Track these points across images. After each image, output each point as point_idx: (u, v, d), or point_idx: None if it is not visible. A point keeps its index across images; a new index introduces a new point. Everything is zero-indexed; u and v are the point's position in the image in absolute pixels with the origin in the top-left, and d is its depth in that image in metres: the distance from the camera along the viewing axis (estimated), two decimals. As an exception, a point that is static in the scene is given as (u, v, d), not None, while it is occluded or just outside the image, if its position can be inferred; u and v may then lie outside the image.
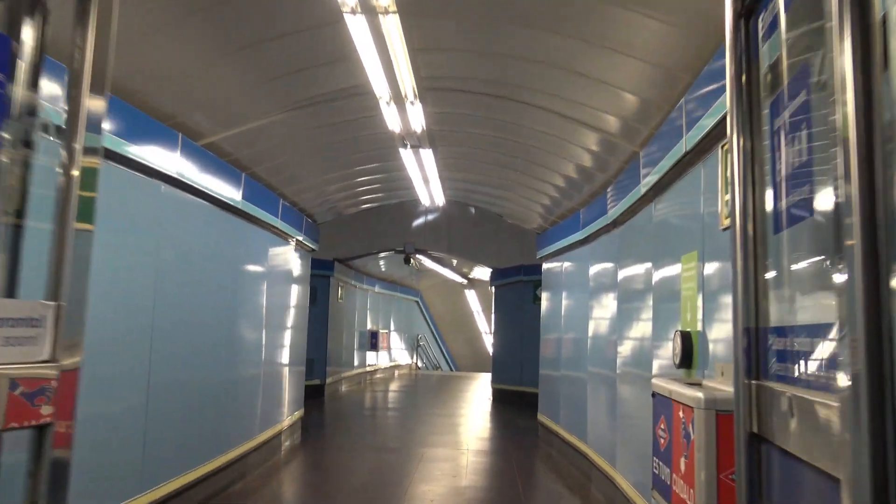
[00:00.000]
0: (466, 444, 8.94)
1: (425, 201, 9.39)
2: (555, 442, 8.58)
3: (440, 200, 9.40)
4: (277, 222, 7.34)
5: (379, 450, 8.63)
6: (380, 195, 11.00)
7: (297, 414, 9.03)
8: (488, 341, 25.58)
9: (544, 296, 10.06)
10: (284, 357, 8.34)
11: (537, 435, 9.64)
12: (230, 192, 6.04)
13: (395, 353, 20.58)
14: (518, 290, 13.97)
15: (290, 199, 7.85)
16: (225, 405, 6.38)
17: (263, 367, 7.36)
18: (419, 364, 22.96)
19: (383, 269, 18.57)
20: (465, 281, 22.27)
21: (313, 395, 13.40)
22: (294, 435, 8.80)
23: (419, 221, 14.60)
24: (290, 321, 8.59)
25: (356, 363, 16.75)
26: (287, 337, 8.46)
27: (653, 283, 4.90)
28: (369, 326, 17.98)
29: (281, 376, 8.20)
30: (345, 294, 15.52)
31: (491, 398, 14.23)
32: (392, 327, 20.29)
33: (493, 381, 14.42)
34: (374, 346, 18.00)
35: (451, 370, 25.64)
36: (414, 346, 22.63)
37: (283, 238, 7.99)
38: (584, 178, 6.89)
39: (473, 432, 10.15)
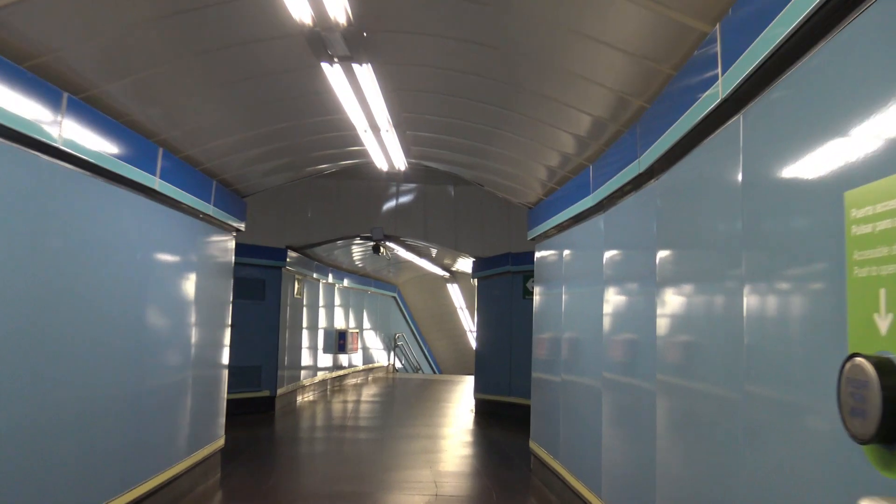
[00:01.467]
0: (437, 483, 6.75)
1: (381, 164, 7.13)
2: (554, 484, 6.41)
3: (400, 162, 7.12)
4: (155, 182, 5.10)
5: (320, 498, 6.43)
6: (321, 154, 8.74)
7: (211, 447, 6.80)
8: (473, 340, 23.42)
9: (537, 289, 7.87)
10: (185, 369, 6.11)
11: (529, 468, 7.46)
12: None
13: (368, 355, 18.36)
14: (505, 282, 11.78)
15: (185, 154, 5.64)
16: (70, 447, 4.17)
17: (132, 386, 5.13)
18: (397, 366, 20.76)
19: (355, 262, 16.33)
20: (447, 274, 20.06)
21: (259, 410, 11.17)
22: (200, 479, 6.58)
23: (389, 204, 12.38)
24: (193, 319, 6.37)
25: (320, 368, 14.52)
26: (189, 342, 6.24)
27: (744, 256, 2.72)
28: (337, 325, 15.76)
29: (176, 396, 5.97)
30: (304, 289, 13.26)
31: (474, 411, 12.04)
32: (365, 326, 18.07)
33: (477, 389, 12.24)
34: (342, 349, 15.77)
35: (434, 372, 23.44)
36: (391, 347, 20.43)
37: (174, 207, 5.76)
38: (614, 111, 4.63)
39: (449, 464, 7.96)
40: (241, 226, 7.54)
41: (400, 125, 5.90)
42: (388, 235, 12.50)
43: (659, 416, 3.85)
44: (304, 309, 13.31)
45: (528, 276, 11.24)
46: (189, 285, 6.16)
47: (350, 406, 13.02)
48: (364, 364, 17.97)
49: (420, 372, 21.84)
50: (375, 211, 12.36)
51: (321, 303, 14.60)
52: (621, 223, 4.85)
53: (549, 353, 7.08)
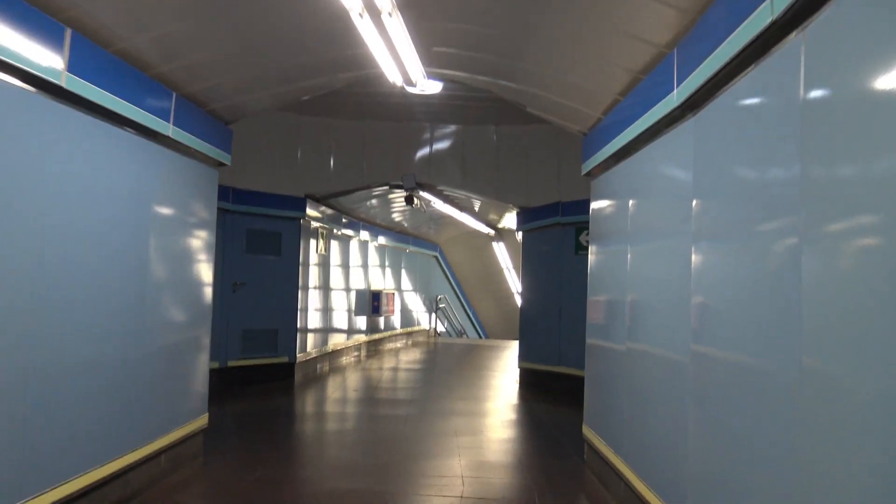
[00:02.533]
0: (466, 479, 5.35)
1: (392, 74, 5.58)
2: (614, 485, 4.93)
3: (416, 71, 5.55)
4: (62, 77, 3.70)
5: (312, 498, 5.11)
6: (308, 61, 7.27)
7: (186, 428, 5.52)
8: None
9: (594, 240, 6.32)
10: (141, 336, 4.80)
11: (582, 460, 6.00)
12: None
13: (407, 318, 17.07)
14: (554, 235, 10.21)
15: (120, 47, 4.24)
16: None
17: (75, 354, 3.83)
18: (439, 330, 19.45)
19: (391, 216, 14.94)
20: (492, 232, 18.53)
21: (276, 378, 9.96)
22: (167, 468, 5.32)
23: (423, 149, 10.88)
24: (161, 274, 5.04)
25: (352, 332, 13.26)
26: (145, 302, 4.93)
27: None
28: (371, 286, 14.45)
29: (133, 368, 4.67)
30: (331, 245, 11.93)
31: (518, 382, 10.60)
32: (403, 287, 16.75)
33: (522, 357, 10.77)
34: (376, 311, 14.47)
35: (480, 337, 22.08)
36: (433, 309, 19.10)
37: (109, 120, 4.38)
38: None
39: (484, 451, 6.54)
40: (226, 159, 6.15)
41: (409, 6, 4.35)
42: (420, 184, 11.02)
43: (805, 415, 2.32)
44: (332, 267, 11.99)
45: (582, 227, 9.68)
46: (144, 233, 4.81)
47: (381, 375, 11.72)
48: (403, 327, 16.69)
49: (464, 336, 20.50)
50: (407, 157, 10.88)
51: (352, 261, 13.28)
52: (728, 128, 3.25)
53: (608, 316, 5.56)
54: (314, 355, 11.07)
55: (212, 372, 9.45)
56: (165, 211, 5.17)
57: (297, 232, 10.31)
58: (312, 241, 10.95)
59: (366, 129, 10.72)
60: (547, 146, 10.41)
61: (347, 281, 13.02)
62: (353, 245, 13.36)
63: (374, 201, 12.92)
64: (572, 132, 6.73)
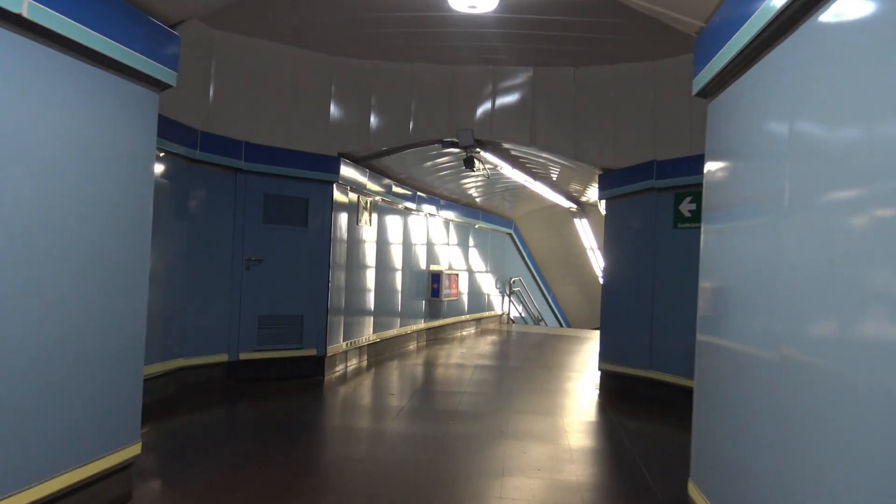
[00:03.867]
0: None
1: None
2: None
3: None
4: None
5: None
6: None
7: (110, 459, 3.77)
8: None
9: (715, 196, 4.13)
10: (24, 336, 3.06)
11: (688, 533, 3.91)
12: None
13: (476, 302, 15.14)
14: (646, 203, 8.01)
15: None
16: None
17: None
18: (513, 316, 17.41)
19: (455, 185, 12.98)
20: (574, 206, 16.31)
21: (300, 375, 8.25)
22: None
23: (483, 97, 8.84)
24: (47, 241, 3.28)
25: (404, 319, 11.44)
26: (24, 274, 3.17)
27: None
28: (430, 266, 12.58)
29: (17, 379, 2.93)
30: (377, 216, 10.11)
31: (598, 389, 8.48)
32: (471, 267, 14.80)
33: (603, 357, 8.64)
34: (435, 294, 12.62)
35: (561, 325, 19.89)
36: (506, 293, 17.08)
37: None
38: None
39: None
40: (170, 77, 4.31)
41: None
42: (480, 141, 9.00)
43: None
44: (377, 242, 10.17)
45: (683, 193, 7.47)
46: (20, 184, 3.05)
47: (432, 373, 9.85)
48: (470, 312, 14.77)
49: (541, 324, 18.39)
50: (464, 107, 8.88)
51: (405, 236, 11.42)
52: None
53: (742, 307, 3.44)
54: (351, 347, 9.29)
55: (220, 366, 7.82)
56: (84, 149, 3.39)
57: (328, 198, 8.51)
58: (350, 211, 9.13)
59: (414, 74, 8.77)
60: (638, 90, 8.17)
61: (398, 259, 11.18)
62: (407, 217, 11.48)
63: (429, 164, 10.98)
64: (682, 29, 4.55)
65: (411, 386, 8.68)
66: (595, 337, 14.49)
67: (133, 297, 4.13)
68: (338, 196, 8.67)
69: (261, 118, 8.00)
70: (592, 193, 13.49)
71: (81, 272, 3.63)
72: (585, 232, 17.70)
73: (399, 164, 10.42)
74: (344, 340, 9.04)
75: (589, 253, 18.63)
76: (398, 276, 11.16)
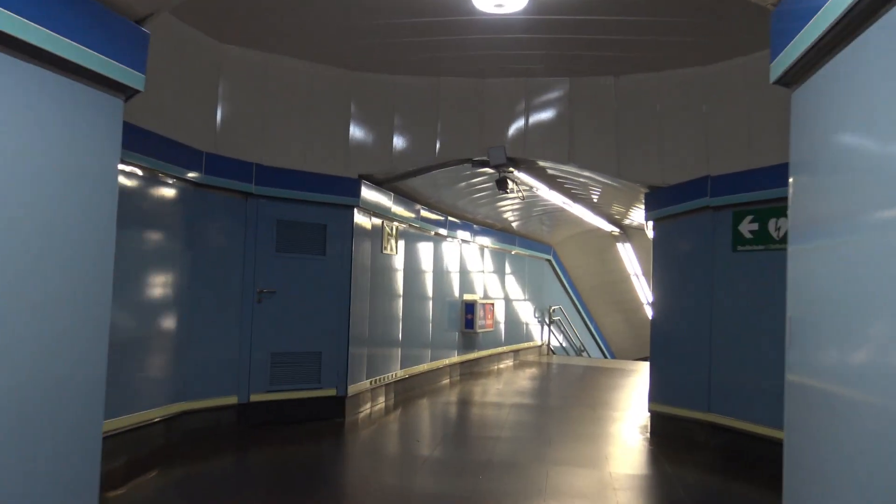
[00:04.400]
0: None
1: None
2: None
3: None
4: None
5: None
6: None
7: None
8: (653, 316, 18.55)
9: (801, 223, 3.31)
10: None
11: None
12: None
13: (513, 333, 14.30)
14: (700, 224, 7.15)
15: None
16: None
17: None
18: (552, 346, 16.49)
19: (489, 209, 12.26)
20: (616, 230, 15.43)
21: (318, 417, 7.53)
22: None
23: (517, 112, 8.13)
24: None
25: (435, 353, 10.67)
26: None
27: None
28: (464, 295, 11.83)
29: None
30: (404, 243, 9.43)
31: (648, 433, 7.56)
32: (507, 296, 13.99)
33: (653, 397, 7.73)
34: (469, 325, 11.84)
35: (604, 356, 18.87)
36: (545, 322, 16.19)
37: None
38: None
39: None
40: (136, 80, 3.67)
41: None
42: (514, 159, 8.28)
43: None
44: (405, 271, 9.46)
45: (743, 212, 6.62)
46: None
47: (464, 413, 9.04)
48: (507, 344, 13.93)
49: (584, 354, 17.42)
50: (495, 124, 8.18)
51: (436, 263, 10.70)
52: None
53: (842, 342, 2.62)
54: (375, 385, 8.55)
55: (228, 409, 7.12)
56: (39, 167, 2.77)
57: (348, 224, 7.84)
58: (374, 237, 8.46)
59: (439, 89, 8.11)
60: (687, 98, 7.36)
61: (429, 288, 10.44)
62: (438, 243, 10.77)
63: (460, 187, 10.28)
64: (755, 1, 3.76)
65: (441, 429, 7.88)
66: (641, 369, 13.51)
67: (86, 335, 3.46)
68: (359, 221, 8.00)
69: (273, 139, 7.40)
70: (636, 216, 12.62)
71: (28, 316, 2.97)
72: (629, 257, 16.76)
73: (428, 188, 9.74)
74: (367, 378, 8.30)
75: (633, 279, 17.66)
76: (429, 307, 10.42)
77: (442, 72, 7.98)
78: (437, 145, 8.17)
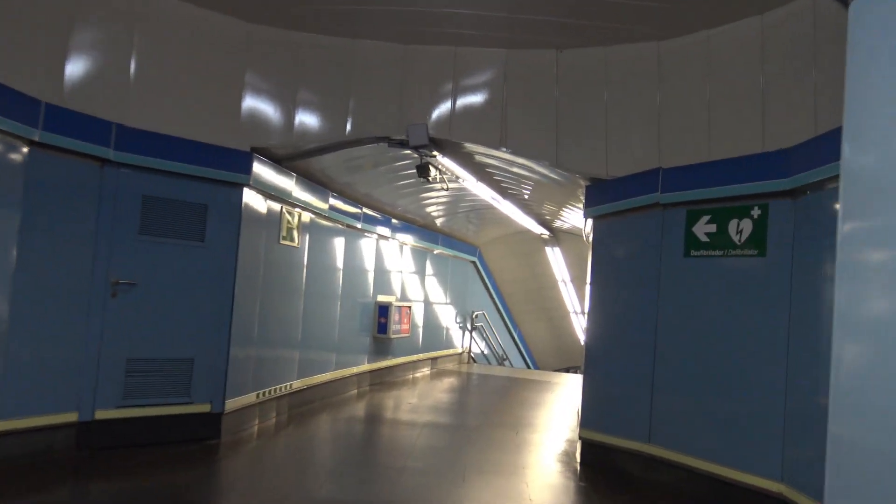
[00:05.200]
0: None
1: None
2: None
3: None
4: None
5: None
6: None
7: None
8: (580, 326, 17.78)
9: (857, 212, 2.25)
10: None
11: None
12: None
13: (432, 339, 13.16)
14: (647, 224, 6.17)
15: None
16: None
17: None
18: (473, 354, 15.43)
19: (410, 201, 11.10)
20: (546, 232, 14.52)
21: (190, 438, 6.17)
22: None
23: (443, 87, 7.00)
24: None
25: (341, 360, 9.41)
26: None
27: None
28: (377, 296, 10.61)
29: None
30: (309, 234, 8.14)
31: (578, 464, 6.51)
32: (427, 298, 12.84)
33: (585, 422, 6.69)
34: (383, 329, 10.63)
35: (528, 367, 17.96)
36: (468, 328, 15.12)
37: None
38: None
39: None
40: None
41: None
42: (437, 140, 7.13)
43: None
44: (307, 266, 8.17)
45: (699, 211, 5.66)
46: None
47: (368, 434, 7.84)
48: (424, 352, 12.78)
49: (506, 363, 16.45)
50: (418, 98, 7.02)
51: (345, 260, 9.44)
52: None
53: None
54: (264, 398, 7.24)
55: (66, 429, 5.53)
56: None
57: (236, 206, 6.52)
58: (269, 224, 7.16)
59: (356, 53, 6.90)
60: (640, 77, 6.38)
61: (337, 287, 9.18)
62: (350, 237, 9.52)
63: (378, 174, 9.06)
64: None
65: (337, 455, 6.64)
66: (565, 382, 12.61)
67: None
68: (251, 203, 6.70)
69: (143, 95, 6.02)
70: (569, 217, 11.69)
71: None
72: (558, 262, 15.90)
73: (340, 171, 8.48)
74: (254, 390, 6.99)
75: (560, 286, 16.82)
76: (336, 309, 9.15)
77: (358, 33, 6.77)
78: (350, 119, 6.95)
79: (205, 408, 6.33)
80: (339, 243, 9.14)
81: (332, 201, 8.64)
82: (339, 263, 9.20)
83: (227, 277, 6.44)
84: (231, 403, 6.51)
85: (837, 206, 4.45)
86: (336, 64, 6.92)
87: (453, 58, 6.95)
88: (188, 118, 6.26)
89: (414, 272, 12.21)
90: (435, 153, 7.44)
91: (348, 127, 6.94)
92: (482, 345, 15.96)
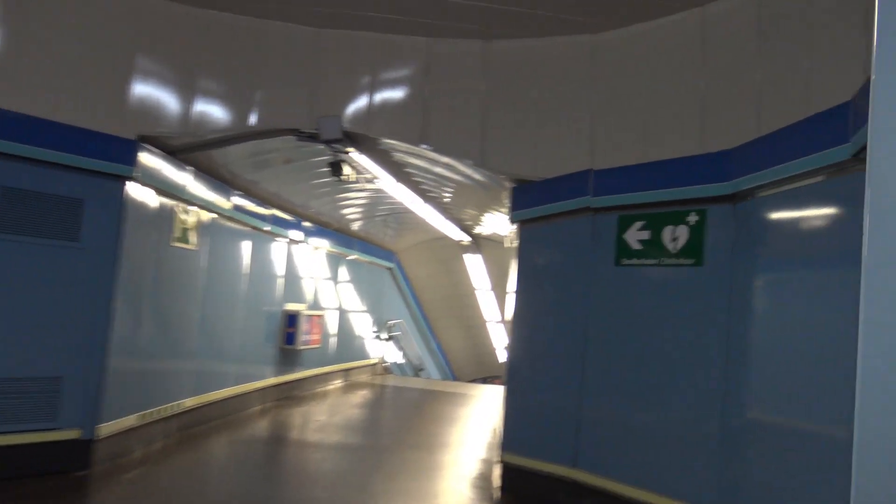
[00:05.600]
0: None
1: None
2: None
3: None
4: None
5: None
6: None
7: None
8: (500, 336, 17.44)
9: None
10: None
11: None
12: None
13: (345, 350, 12.44)
14: (576, 229, 5.73)
15: None
16: None
17: None
18: (389, 365, 14.77)
19: (329, 202, 10.41)
20: (466, 239, 14.05)
21: (55, 470, 5.28)
22: None
23: (360, 79, 6.39)
24: None
25: (244, 372, 8.62)
26: None
27: None
28: (285, 304, 9.85)
29: None
30: (209, 238, 7.34)
31: (499, 495, 5.97)
32: (340, 307, 12.12)
33: (507, 446, 6.17)
34: (290, 340, 9.87)
35: (447, 376, 17.45)
36: (384, 337, 14.45)
37: None
38: None
39: None
40: None
41: None
42: (352, 136, 6.51)
43: None
44: (206, 271, 7.36)
45: (632, 216, 5.25)
46: None
47: (267, 459, 7.11)
48: (336, 363, 12.05)
49: (422, 374, 15.87)
50: (332, 88, 6.39)
51: (251, 265, 8.66)
52: None
53: None
54: (148, 420, 6.40)
55: None
56: None
57: (116, 201, 5.70)
58: (161, 223, 6.35)
59: (265, 35, 6.21)
60: (572, 73, 5.95)
61: (241, 294, 8.39)
62: (258, 241, 8.74)
63: (289, 169, 8.35)
64: None
65: (229, 486, 5.89)
66: (483, 394, 12.16)
67: None
68: (137, 199, 5.88)
69: (13, 70, 5.15)
70: (490, 222, 11.26)
71: None
72: (478, 270, 15.45)
73: (246, 167, 7.74)
74: (137, 411, 6.16)
75: (480, 294, 16.40)
76: (239, 318, 8.36)
77: (266, 12, 6.08)
78: (255, 108, 6.24)
79: (73, 434, 5.47)
80: (244, 247, 8.36)
81: (237, 200, 7.87)
82: (244, 269, 8.41)
83: (105, 283, 5.61)
84: (107, 428, 5.67)
85: (780, 215, 4.09)
86: (241, 46, 6.21)
87: (371, 45, 6.35)
88: (62, 98, 5.43)
89: (327, 279, 11.50)
90: (350, 149, 6.81)
91: (253, 117, 6.23)
92: (398, 355, 15.33)
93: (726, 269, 4.64)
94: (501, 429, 6.31)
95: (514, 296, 6.41)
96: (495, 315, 16.68)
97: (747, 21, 4.67)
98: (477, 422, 9.51)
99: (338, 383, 12.10)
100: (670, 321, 4.97)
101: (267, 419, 8.59)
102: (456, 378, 17.59)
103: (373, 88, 6.37)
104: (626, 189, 5.34)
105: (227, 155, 7.08)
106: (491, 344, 17.67)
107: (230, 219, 7.84)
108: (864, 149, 3.30)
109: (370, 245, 13.29)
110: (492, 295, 16.07)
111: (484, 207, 10.13)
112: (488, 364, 17.56)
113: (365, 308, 13.46)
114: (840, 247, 3.59)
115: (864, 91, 3.31)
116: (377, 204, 10.66)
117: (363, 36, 6.28)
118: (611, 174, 5.46)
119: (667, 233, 5.07)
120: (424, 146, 6.32)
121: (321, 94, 6.33)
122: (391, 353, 14.90)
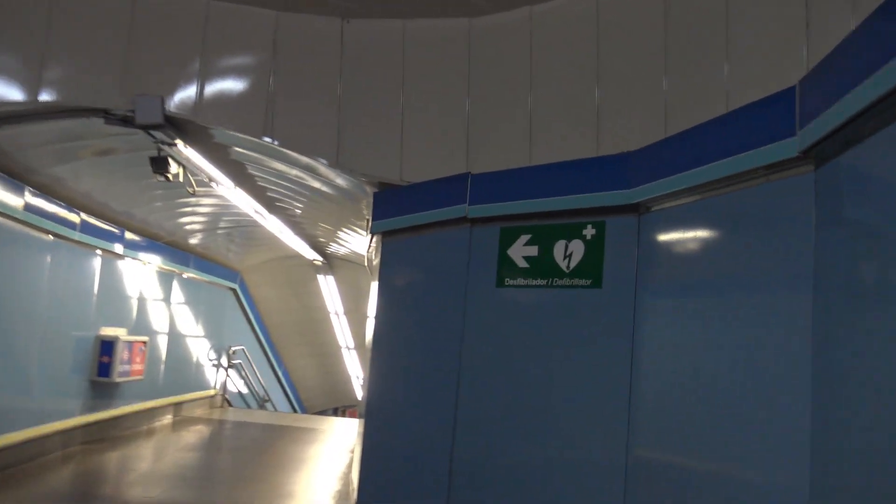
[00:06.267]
0: None
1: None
2: None
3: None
4: None
5: None
6: None
7: None
8: (354, 364, 16.36)
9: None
10: None
11: None
12: None
13: (176, 380, 10.85)
14: (449, 244, 4.86)
15: None
16: None
17: None
18: (229, 396, 13.22)
19: (161, 209, 8.95)
20: (318, 258, 12.94)
21: None
22: None
23: (189, 55, 5.23)
24: None
25: (43, 411, 7.01)
26: None
27: None
28: (102, 329, 8.29)
29: None
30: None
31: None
32: (170, 331, 10.56)
33: (363, 497, 5.14)
34: (105, 371, 8.29)
35: (294, 410, 16.03)
36: (224, 365, 12.90)
37: None
38: None
39: None
40: None
41: None
42: (178, 121, 5.31)
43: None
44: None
45: (517, 229, 4.46)
46: None
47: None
48: (165, 396, 10.46)
49: (267, 405, 14.41)
50: (154, 61, 5.17)
51: (52, 282, 7.10)
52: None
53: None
54: None
55: None
56: None
57: None
58: None
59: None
60: (446, 62, 5.13)
61: (37, 317, 6.82)
62: (60, 251, 7.20)
63: (103, 163, 6.93)
64: None
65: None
66: (334, 428, 11.05)
67: None
68: None
69: None
70: (346, 240, 10.25)
71: None
72: (330, 292, 14.33)
73: (46, 160, 6.29)
74: None
75: (333, 318, 15.26)
76: (32, 345, 6.77)
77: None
78: (46, 77, 4.91)
79: None
80: (41, 258, 6.82)
81: (32, 199, 6.37)
82: (42, 285, 6.86)
83: None
84: None
85: (695, 229, 3.41)
86: (33, 7, 4.88)
87: (205, 15, 5.22)
88: None
89: (157, 299, 9.96)
90: (176, 141, 5.59)
91: (44, 90, 4.89)
92: (240, 385, 13.80)
93: (629, 292, 3.93)
94: (357, 475, 5.29)
95: (374, 320, 5.44)
96: (351, 341, 15.59)
97: (652, 4, 4.05)
98: (326, 464, 8.40)
99: (167, 419, 10.50)
100: (563, 351, 4.21)
101: (69, 468, 7.04)
102: (305, 409, 16.24)
103: (205, 67, 5.23)
104: (510, 196, 4.54)
105: (17, 141, 5.64)
106: (346, 372, 16.54)
107: (23, 223, 6.32)
108: (815, 144, 2.67)
109: (209, 262, 11.81)
110: (345, 319, 15.00)
111: (340, 223, 9.11)
112: (342, 393, 16.42)
113: (202, 333, 11.94)
114: (769, 267, 2.96)
115: (817, 74, 2.69)
116: (221, 215, 9.37)
117: (194, 3, 5.15)
118: (491, 179, 4.65)
119: (559, 248, 4.30)
120: (268, 139, 5.25)
121: (138, 70, 5.11)
122: (233, 383, 13.37)
